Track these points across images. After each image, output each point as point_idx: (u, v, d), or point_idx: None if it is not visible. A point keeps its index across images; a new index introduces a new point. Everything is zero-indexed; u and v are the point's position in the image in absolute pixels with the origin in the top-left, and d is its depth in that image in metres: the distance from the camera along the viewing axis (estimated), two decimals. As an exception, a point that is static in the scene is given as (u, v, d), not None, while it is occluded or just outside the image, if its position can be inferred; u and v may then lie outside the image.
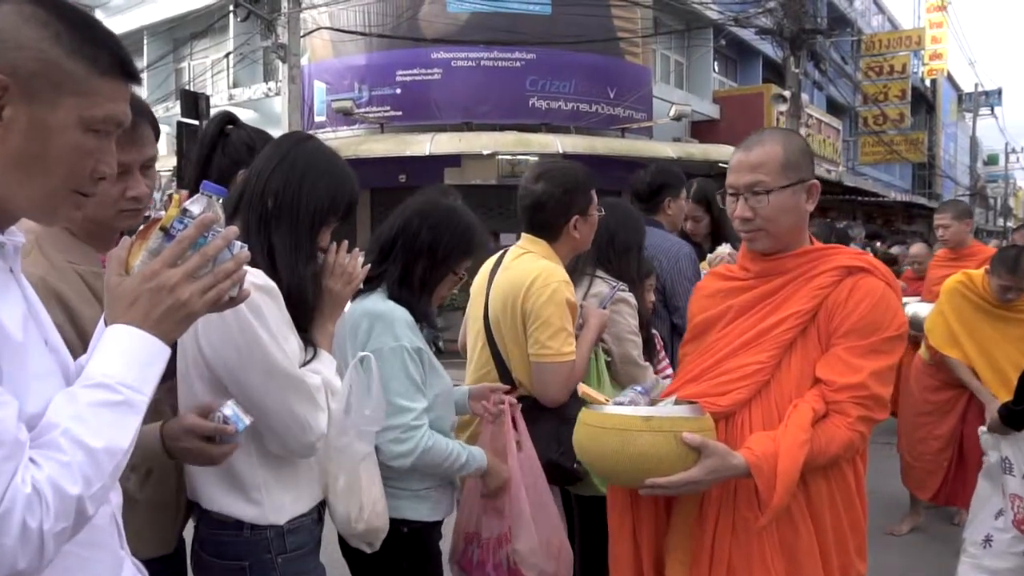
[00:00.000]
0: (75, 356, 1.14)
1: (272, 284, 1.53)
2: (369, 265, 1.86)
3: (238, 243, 1.11)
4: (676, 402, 1.78)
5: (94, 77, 1.00)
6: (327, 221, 1.67)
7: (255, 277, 1.47)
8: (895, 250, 9.39)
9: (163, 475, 1.61)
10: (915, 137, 24.89)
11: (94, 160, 1.02)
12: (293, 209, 1.61)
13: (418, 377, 2.02)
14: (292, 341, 1.57)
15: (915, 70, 25.59)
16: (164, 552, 1.65)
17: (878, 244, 10.62)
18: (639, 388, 1.95)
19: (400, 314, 2.01)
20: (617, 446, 1.62)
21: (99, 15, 18.38)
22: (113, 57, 1.02)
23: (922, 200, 27.24)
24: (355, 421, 1.73)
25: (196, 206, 1.08)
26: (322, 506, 1.75)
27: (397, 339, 1.98)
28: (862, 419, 1.74)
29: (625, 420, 1.64)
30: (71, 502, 0.90)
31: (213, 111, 11.03)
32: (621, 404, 1.74)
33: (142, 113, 1.49)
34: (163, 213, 1.07)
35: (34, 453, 0.91)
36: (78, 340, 1.39)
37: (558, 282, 2.37)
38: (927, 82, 29.06)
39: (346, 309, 1.95)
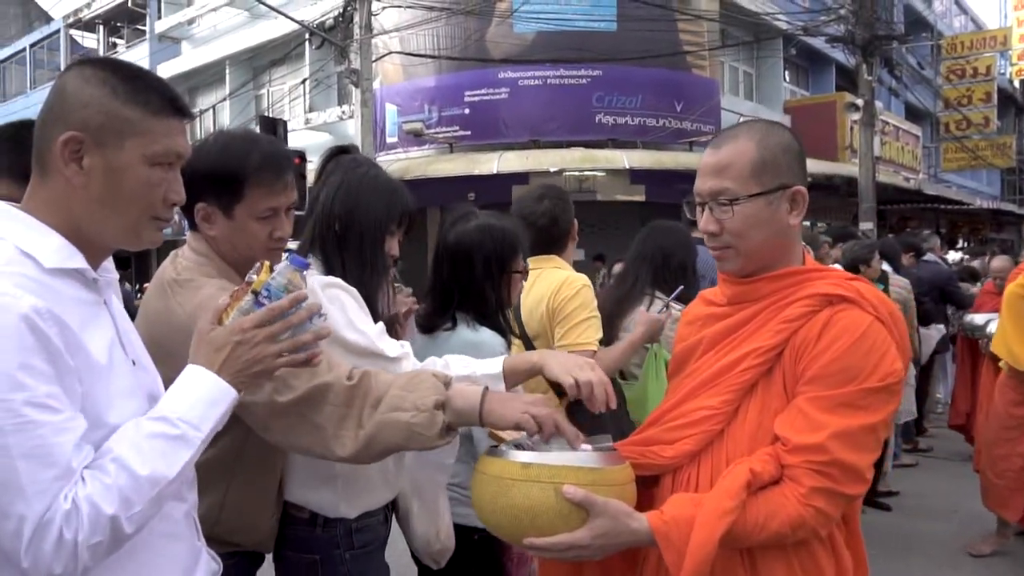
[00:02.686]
0: None
1: (352, 288, 1.72)
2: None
3: (320, 318, 1.27)
4: (595, 448, 1.48)
5: (148, 118, 1.16)
6: (388, 230, 1.86)
7: (336, 280, 1.70)
8: (975, 263, 9.03)
9: (255, 475, 1.71)
10: (1002, 141, 23.90)
11: (163, 190, 1.19)
12: (356, 226, 1.82)
13: None
14: (371, 325, 1.70)
15: (1002, 71, 24.60)
16: (267, 551, 1.79)
17: (950, 255, 10.18)
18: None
19: (497, 340, 2.16)
20: (491, 496, 1.38)
21: (185, 47, 19.38)
22: (162, 98, 1.18)
23: (1011, 207, 26.06)
24: (438, 455, 1.75)
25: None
26: (389, 509, 1.90)
27: None
28: (818, 491, 1.33)
29: (502, 466, 1.39)
30: (105, 520, 1.03)
31: (290, 136, 11.51)
32: (519, 445, 1.47)
33: (287, 162, 1.70)
34: (255, 277, 1.24)
35: (85, 472, 1.04)
36: None
37: (583, 285, 2.64)
38: (1015, 83, 27.88)
39: (418, 344, 2.06)
